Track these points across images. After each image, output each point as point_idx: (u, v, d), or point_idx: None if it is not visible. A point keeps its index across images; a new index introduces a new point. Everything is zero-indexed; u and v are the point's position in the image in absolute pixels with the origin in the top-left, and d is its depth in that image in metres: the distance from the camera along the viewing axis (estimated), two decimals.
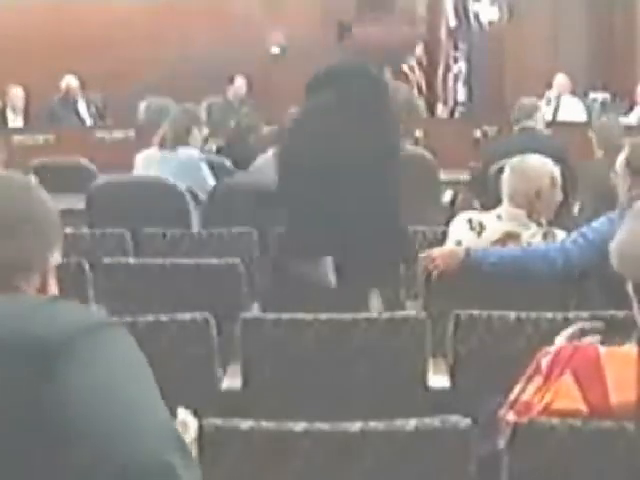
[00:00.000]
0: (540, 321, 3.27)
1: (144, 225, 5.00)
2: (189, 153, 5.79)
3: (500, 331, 3.30)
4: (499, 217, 4.08)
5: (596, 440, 2.23)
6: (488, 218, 4.11)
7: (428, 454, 2.26)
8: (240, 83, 11.22)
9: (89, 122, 10.89)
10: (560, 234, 4.04)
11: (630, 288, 2.35)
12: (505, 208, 4.09)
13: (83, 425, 1.34)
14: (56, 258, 1.58)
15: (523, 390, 2.29)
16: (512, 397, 2.32)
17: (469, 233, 4.08)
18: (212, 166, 5.94)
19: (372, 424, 2.25)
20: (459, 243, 4.04)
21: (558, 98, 10.02)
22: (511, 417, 2.27)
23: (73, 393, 1.36)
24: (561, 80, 10.05)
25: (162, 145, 5.80)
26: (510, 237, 4.03)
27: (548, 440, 2.23)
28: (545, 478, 2.32)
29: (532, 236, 4.02)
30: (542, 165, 4.11)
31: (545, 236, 4.02)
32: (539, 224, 4.07)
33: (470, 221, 4.12)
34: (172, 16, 12.19)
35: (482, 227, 4.07)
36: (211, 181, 5.79)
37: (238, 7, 12.41)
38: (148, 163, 5.80)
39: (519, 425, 2.24)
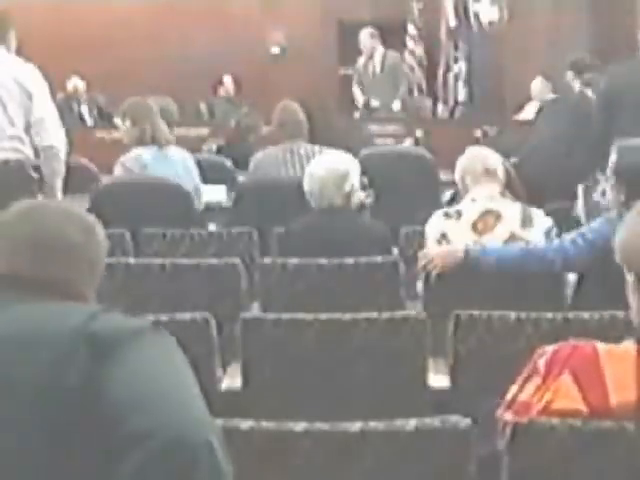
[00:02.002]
0: (540, 321, 3.27)
1: (150, 226, 4.99)
2: (182, 153, 5.71)
3: (500, 331, 3.30)
4: (473, 200, 4.19)
5: (596, 440, 2.22)
6: (463, 204, 4.21)
7: (428, 454, 2.26)
8: (229, 82, 11.36)
9: (91, 123, 10.90)
10: (537, 212, 4.15)
11: (631, 280, 2.32)
12: (475, 191, 4.21)
13: (135, 401, 1.57)
14: None
15: (521, 390, 2.29)
16: (509, 397, 2.31)
17: (447, 222, 4.15)
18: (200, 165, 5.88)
19: (372, 424, 2.25)
20: (443, 236, 4.10)
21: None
22: (509, 417, 2.26)
23: (126, 377, 1.60)
24: (538, 84, 9.70)
25: (143, 143, 5.57)
26: (490, 214, 4.09)
27: (548, 440, 2.23)
28: (545, 478, 2.32)
29: (512, 214, 4.09)
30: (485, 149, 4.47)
31: (524, 213, 4.09)
32: (512, 199, 4.22)
33: (446, 213, 4.21)
34: (172, 16, 12.20)
35: (459, 213, 4.16)
36: (199, 181, 5.73)
37: (238, 7, 12.41)
38: (151, 164, 5.61)
39: (519, 425, 2.24)
